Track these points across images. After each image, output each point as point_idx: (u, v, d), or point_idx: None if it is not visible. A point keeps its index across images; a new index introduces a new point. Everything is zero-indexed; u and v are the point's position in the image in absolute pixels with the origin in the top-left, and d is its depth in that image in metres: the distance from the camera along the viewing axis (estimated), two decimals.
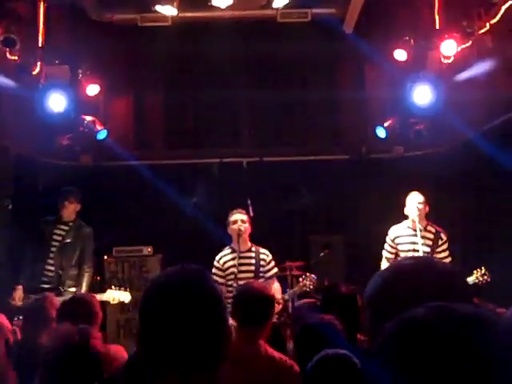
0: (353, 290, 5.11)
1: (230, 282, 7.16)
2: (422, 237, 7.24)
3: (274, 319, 7.86)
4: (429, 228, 7.41)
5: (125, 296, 7.61)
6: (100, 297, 7.35)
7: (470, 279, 7.25)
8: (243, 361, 4.08)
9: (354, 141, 10.41)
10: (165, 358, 1.86)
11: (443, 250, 7.38)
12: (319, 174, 10.08)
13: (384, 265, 7.45)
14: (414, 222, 7.31)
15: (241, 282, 6.72)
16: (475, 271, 7.35)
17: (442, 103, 8.62)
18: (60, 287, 7.61)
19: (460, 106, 8.41)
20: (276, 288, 7.29)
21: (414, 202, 7.34)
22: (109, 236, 9.65)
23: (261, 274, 7.33)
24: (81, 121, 9.04)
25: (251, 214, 7.89)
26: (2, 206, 8.25)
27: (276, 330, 5.10)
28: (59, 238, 7.86)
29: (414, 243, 7.25)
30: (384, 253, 7.53)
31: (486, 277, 7.32)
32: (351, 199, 10.03)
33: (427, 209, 7.39)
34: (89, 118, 9.12)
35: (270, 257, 7.48)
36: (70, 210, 7.96)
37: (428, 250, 7.29)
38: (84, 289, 7.65)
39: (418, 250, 7.16)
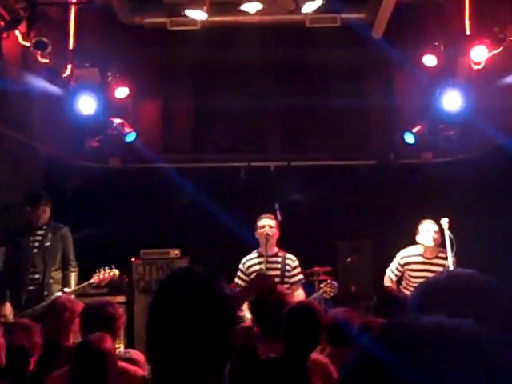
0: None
1: None
2: (435, 264, 7.31)
3: None
4: (440, 255, 7.38)
5: (111, 273, 7.43)
6: (88, 283, 7.35)
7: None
8: None
9: (382, 146, 10.37)
10: (169, 362, 1.86)
11: None
12: (347, 178, 10.06)
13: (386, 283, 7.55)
14: (426, 250, 7.38)
15: None
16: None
17: (472, 109, 8.56)
18: (45, 292, 7.31)
19: (490, 112, 8.34)
20: (300, 294, 7.29)
21: (429, 231, 7.33)
22: (136, 238, 9.72)
23: (286, 279, 7.35)
24: (110, 123, 9.09)
25: (279, 218, 7.88)
26: None
27: None
28: (37, 244, 7.51)
29: (426, 271, 7.24)
30: (389, 272, 7.56)
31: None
32: (379, 204, 9.98)
33: (439, 236, 7.34)
34: (118, 121, 9.17)
35: (296, 263, 7.48)
36: (47, 214, 7.60)
37: None
38: (72, 287, 7.41)
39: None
